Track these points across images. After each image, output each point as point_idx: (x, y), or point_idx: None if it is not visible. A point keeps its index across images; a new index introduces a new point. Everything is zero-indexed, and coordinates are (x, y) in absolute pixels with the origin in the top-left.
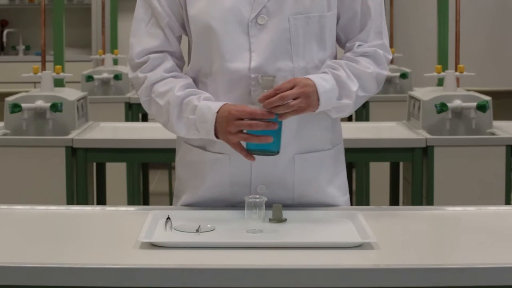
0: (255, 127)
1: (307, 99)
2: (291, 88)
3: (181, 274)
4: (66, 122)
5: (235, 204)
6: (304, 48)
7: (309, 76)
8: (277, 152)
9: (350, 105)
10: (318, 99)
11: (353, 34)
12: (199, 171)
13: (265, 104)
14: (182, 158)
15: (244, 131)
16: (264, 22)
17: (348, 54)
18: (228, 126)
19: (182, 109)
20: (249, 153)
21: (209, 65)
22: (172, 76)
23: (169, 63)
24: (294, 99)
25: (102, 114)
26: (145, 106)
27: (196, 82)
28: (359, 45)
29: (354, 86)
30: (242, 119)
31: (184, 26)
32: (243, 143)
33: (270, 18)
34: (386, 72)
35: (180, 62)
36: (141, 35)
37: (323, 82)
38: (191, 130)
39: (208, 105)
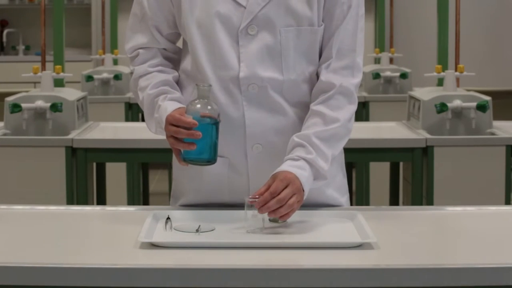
0: (177, 133)
1: (300, 193)
2: (286, 186)
3: (181, 274)
4: (66, 122)
5: (234, 205)
6: (295, 60)
7: (287, 169)
8: (210, 161)
9: (324, 182)
10: (303, 189)
11: (323, 50)
12: (196, 175)
13: (262, 210)
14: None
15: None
16: (254, 32)
17: (314, 107)
18: (165, 129)
19: (152, 107)
20: (184, 163)
21: (196, 68)
22: (157, 71)
23: (157, 58)
24: (290, 197)
25: (102, 114)
26: (135, 97)
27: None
28: (325, 70)
29: (326, 163)
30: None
31: (176, 25)
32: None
33: (261, 29)
34: (355, 105)
35: (176, 56)
36: (134, 30)
37: (301, 171)
38: (158, 128)
39: (166, 106)
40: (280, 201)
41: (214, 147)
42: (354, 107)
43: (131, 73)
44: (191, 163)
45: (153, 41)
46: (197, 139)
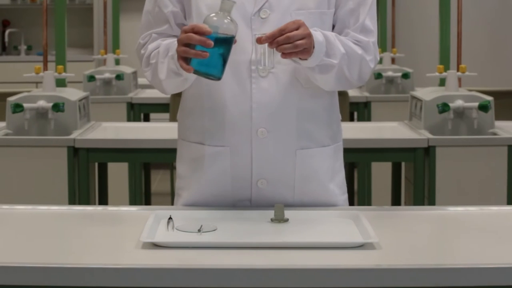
0: (190, 39)
1: (310, 39)
2: (297, 29)
3: (183, 274)
4: (68, 122)
5: (236, 203)
6: None
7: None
8: (216, 77)
9: (335, 66)
10: (313, 47)
11: (340, 33)
12: (198, 167)
13: (272, 44)
14: (181, 156)
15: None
16: (266, 16)
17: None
18: (177, 40)
19: (167, 50)
20: (189, 68)
21: None
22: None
23: (170, 38)
24: (300, 39)
25: (104, 114)
26: (148, 79)
27: None
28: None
29: (342, 48)
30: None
31: (185, 17)
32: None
33: (272, 12)
34: (373, 65)
35: None
36: (148, 27)
37: (316, 34)
38: (171, 65)
39: None
40: (288, 38)
41: (223, 63)
42: (371, 64)
43: (133, 73)
44: (197, 74)
45: (168, 29)
46: (209, 50)
